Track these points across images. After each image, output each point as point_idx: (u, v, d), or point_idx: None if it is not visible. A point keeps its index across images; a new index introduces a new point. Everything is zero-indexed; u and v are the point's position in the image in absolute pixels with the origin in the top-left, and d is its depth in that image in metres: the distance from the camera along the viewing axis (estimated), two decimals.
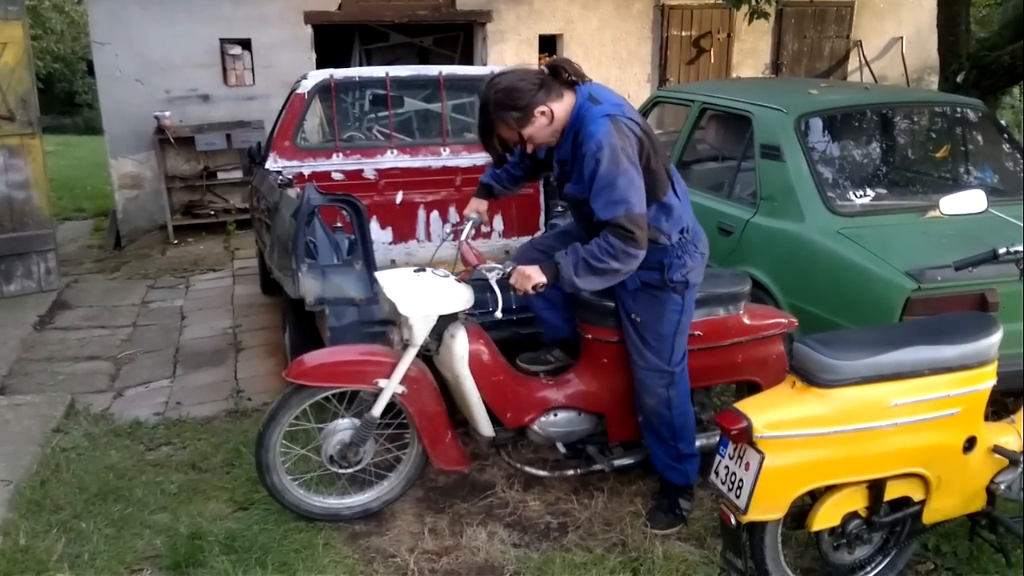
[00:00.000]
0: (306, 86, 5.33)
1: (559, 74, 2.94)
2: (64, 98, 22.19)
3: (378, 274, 3.33)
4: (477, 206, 3.47)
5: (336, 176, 5.40)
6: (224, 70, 8.60)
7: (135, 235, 8.46)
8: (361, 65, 10.31)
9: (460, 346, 3.17)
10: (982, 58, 7.44)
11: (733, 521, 2.60)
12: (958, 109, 5.02)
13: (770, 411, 2.54)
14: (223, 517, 3.44)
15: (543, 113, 2.92)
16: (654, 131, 3.17)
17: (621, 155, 2.80)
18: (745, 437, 2.50)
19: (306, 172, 5.29)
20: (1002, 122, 5.45)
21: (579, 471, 3.48)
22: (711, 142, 5.74)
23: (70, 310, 6.34)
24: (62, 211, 9.69)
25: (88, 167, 12.56)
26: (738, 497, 2.55)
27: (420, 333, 3.11)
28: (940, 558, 3.11)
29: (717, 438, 3.02)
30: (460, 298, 3.14)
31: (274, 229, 4.44)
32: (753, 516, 2.55)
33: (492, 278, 3.04)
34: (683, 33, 10.39)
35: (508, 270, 3.02)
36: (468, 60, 10.16)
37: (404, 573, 3.10)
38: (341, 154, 5.45)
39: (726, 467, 2.61)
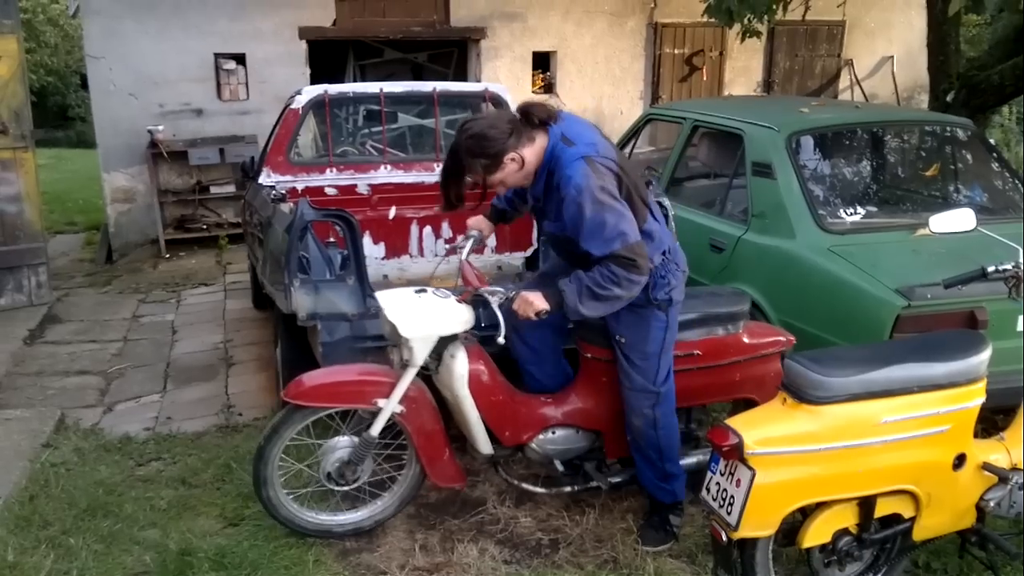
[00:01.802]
0: (300, 101, 5.34)
1: (531, 117, 2.94)
2: (57, 111, 22.20)
3: (379, 294, 3.31)
4: (478, 224, 3.47)
5: (329, 191, 5.41)
6: (218, 84, 8.63)
7: (127, 249, 8.45)
8: (355, 81, 10.35)
9: (460, 366, 3.16)
10: (971, 77, 7.50)
11: (724, 537, 2.60)
12: (948, 128, 5.06)
13: (761, 428, 2.55)
14: (213, 533, 3.42)
15: (513, 160, 2.93)
16: (628, 162, 3.19)
17: (602, 194, 2.82)
18: (736, 454, 2.51)
19: (299, 187, 5.29)
20: (991, 141, 5.48)
21: (576, 488, 3.48)
22: (703, 159, 5.76)
23: (61, 324, 6.32)
24: (54, 224, 9.68)
25: (80, 180, 12.55)
26: (729, 514, 2.55)
27: (420, 354, 3.10)
28: (930, 575, 3.11)
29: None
30: (460, 319, 3.14)
31: (267, 244, 4.44)
32: (744, 532, 2.55)
33: (494, 303, 3.04)
34: (676, 51, 10.47)
35: (511, 295, 3.03)
36: (462, 76, 10.21)
37: None
38: (335, 169, 5.46)
39: (717, 483, 2.62)
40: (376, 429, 3.17)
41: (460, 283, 3.33)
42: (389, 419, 3.18)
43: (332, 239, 4.59)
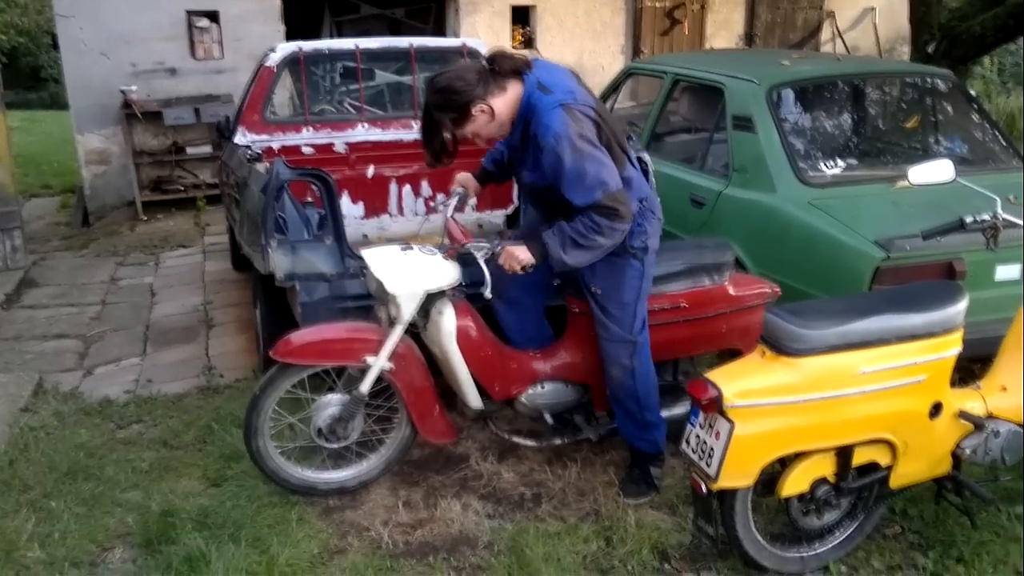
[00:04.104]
0: (274, 59, 5.25)
1: (500, 66, 2.89)
2: (29, 72, 21.76)
3: (364, 252, 3.29)
4: (465, 180, 3.41)
5: (306, 150, 5.34)
6: (191, 43, 8.45)
7: (103, 212, 8.33)
8: (331, 38, 10.17)
9: (448, 322, 3.16)
10: (953, 28, 7.48)
11: (704, 489, 2.63)
12: (928, 80, 5.04)
13: (740, 380, 2.57)
14: (195, 494, 3.42)
15: (483, 111, 2.89)
16: (607, 109, 3.15)
17: (581, 141, 2.78)
18: (715, 406, 2.52)
19: (275, 146, 5.22)
20: (972, 92, 5.47)
21: (565, 440, 3.50)
22: (684, 114, 5.73)
23: (37, 288, 6.25)
24: (28, 188, 9.53)
25: (54, 143, 12.34)
26: (709, 465, 2.57)
27: (408, 311, 3.09)
28: (907, 521, 3.16)
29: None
30: (447, 275, 3.13)
31: (243, 204, 4.39)
32: (724, 484, 2.58)
33: (480, 257, 3.02)
34: (657, 4, 10.35)
35: (496, 249, 3.01)
36: (441, 32, 10.06)
37: (378, 546, 3.10)
38: (311, 128, 5.39)
39: (697, 436, 2.64)
40: (366, 386, 3.17)
41: (445, 240, 3.31)
42: (379, 377, 3.18)
43: (310, 199, 4.54)
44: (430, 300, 3.16)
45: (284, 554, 2.96)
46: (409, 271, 3.09)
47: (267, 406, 3.20)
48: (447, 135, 2.92)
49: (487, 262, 3.02)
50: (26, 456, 3.71)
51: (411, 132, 5.52)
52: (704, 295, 3.41)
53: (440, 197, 3.46)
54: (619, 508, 3.26)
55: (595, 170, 2.79)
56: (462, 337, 3.18)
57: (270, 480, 3.33)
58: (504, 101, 2.91)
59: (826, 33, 11.19)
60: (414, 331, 3.27)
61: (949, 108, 5.03)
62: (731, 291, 3.46)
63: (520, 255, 2.93)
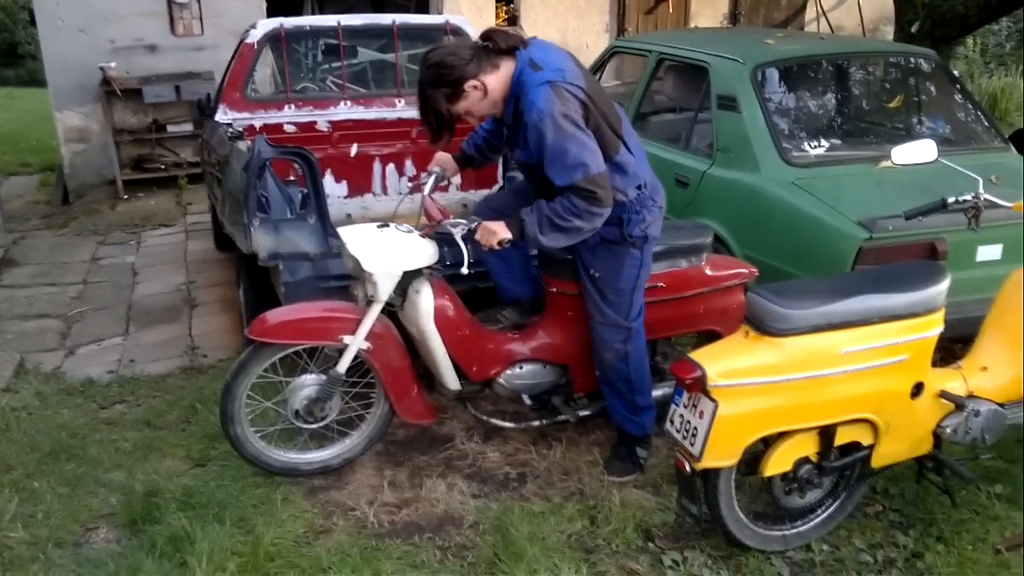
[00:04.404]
0: (255, 35, 5.18)
1: (494, 43, 2.88)
2: (6, 49, 21.37)
3: (341, 230, 3.27)
4: (443, 161, 3.40)
5: (288, 128, 5.29)
6: (171, 19, 8.31)
7: (83, 190, 8.23)
8: (314, 14, 10.06)
9: (425, 302, 3.15)
10: (936, 8, 7.48)
11: (688, 468, 2.64)
12: (911, 59, 5.05)
13: (723, 360, 2.58)
14: (179, 474, 3.42)
15: (475, 87, 2.87)
16: (603, 89, 3.14)
17: (564, 121, 2.77)
18: (699, 386, 2.54)
19: (257, 124, 5.17)
20: (955, 72, 5.49)
21: (544, 422, 3.51)
22: (668, 93, 5.71)
23: (17, 268, 6.19)
24: (6, 166, 9.42)
25: (33, 120, 12.15)
26: (692, 445, 2.59)
27: (385, 289, 3.08)
28: (888, 500, 3.19)
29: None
30: (424, 254, 3.11)
31: (225, 183, 4.35)
32: (707, 463, 2.60)
33: (457, 234, 3.01)
34: None
35: (473, 226, 3.00)
36: (424, 9, 9.97)
37: (364, 526, 3.11)
38: (293, 106, 5.34)
39: (681, 416, 2.65)
40: (343, 366, 3.16)
41: (423, 219, 3.29)
42: (356, 356, 3.17)
43: (292, 178, 4.50)
44: (407, 279, 3.15)
45: (269, 534, 2.96)
46: (386, 250, 3.08)
47: (241, 392, 3.18)
48: (442, 111, 2.90)
49: (464, 239, 3.02)
50: (8, 436, 3.68)
51: (394, 110, 5.49)
52: (682, 276, 3.42)
53: (423, 176, 3.45)
54: (603, 487, 3.27)
55: (577, 151, 2.78)
56: (439, 317, 3.18)
57: (252, 464, 3.32)
58: (497, 78, 2.89)
59: (810, 12, 11.17)
60: (391, 310, 3.26)
61: (932, 88, 5.04)
62: (708, 272, 3.47)
63: (498, 231, 2.92)
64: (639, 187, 3.04)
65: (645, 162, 3.12)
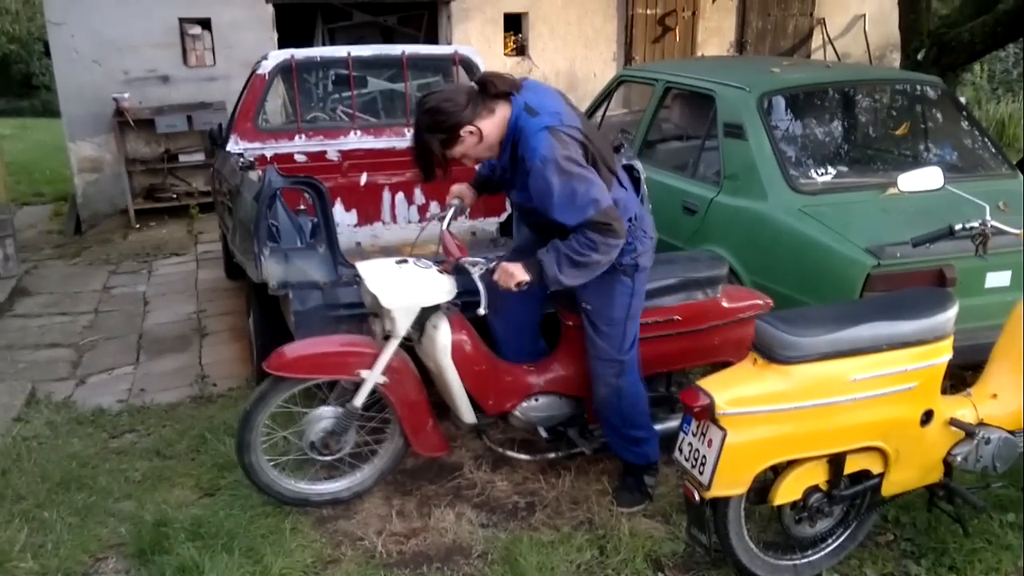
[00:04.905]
0: (267, 66, 5.25)
1: (489, 88, 2.90)
2: (21, 80, 21.69)
3: (359, 265, 3.28)
4: (461, 192, 3.39)
5: (299, 158, 5.35)
6: (184, 50, 8.45)
7: (96, 220, 8.32)
8: (324, 45, 10.18)
9: (443, 337, 3.15)
10: (942, 36, 7.51)
11: (697, 497, 2.63)
12: (917, 87, 5.07)
13: (732, 388, 2.57)
14: (189, 504, 3.42)
15: (471, 133, 2.90)
16: (595, 126, 3.16)
17: (568, 163, 2.79)
18: (707, 414, 2.53)
19: (268, 154, 5.22)
20: (961, 99, 5.50)
21: (560, 454, 3.50)
22: (676, 121, 5.75)
23: (30, 297, 6.24)
24: (20, 196, 9.51)
25: (47, 150, 12.30)
26: (701, 473, 2.58)
27: (403, 325, 3.09)
28: (899, 529, 3.17)
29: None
30: (442, 289, 3.12)
31: (236, 212, 4.39)
32: (716, 492, 2.59)
33: (475, 274, 3.02)
34: (648, 11, 10.39)
35: (491, 265, 3.01)
36: (433, 39, 10.07)
37: (372, 556, 3.10)
38: (304, 135, 5.40)
39: (689, 444, 2.64)
40: (359, 400, 3.16)
41: (440, 251, 3.30)
42: (372, 390, 3.18)
43: (303, 207, 4.54)
44: (425, 314, 3.16)
45: (278, 564, 2.96)
46: (404, 285, 3.08)
47: (259, 421, 3.18)
48: (437, 154, 2.93)
49: (481, 278, 3.03)
50: (19, 466, 3.69)
51: (404, 140, 5.53)
52: (697, 308, 3.42)
53: (434, 207, 3.46)
54: (613, 517, 3.26)
55: (584, 189, 2.80)
56: (457, 351, 3.18)
57: (263, 493, 3.32)
58: (492, 123, 2.91)
59: (817, 40, 11.25)
60: (407, 344, 3.27)
61: (939, 115, 5.06)
62: (724, 304, 3.48)
63: (516, 272, 2.93)
64: (630, 220, 3.06)
65: (635, 196, 3.15)
